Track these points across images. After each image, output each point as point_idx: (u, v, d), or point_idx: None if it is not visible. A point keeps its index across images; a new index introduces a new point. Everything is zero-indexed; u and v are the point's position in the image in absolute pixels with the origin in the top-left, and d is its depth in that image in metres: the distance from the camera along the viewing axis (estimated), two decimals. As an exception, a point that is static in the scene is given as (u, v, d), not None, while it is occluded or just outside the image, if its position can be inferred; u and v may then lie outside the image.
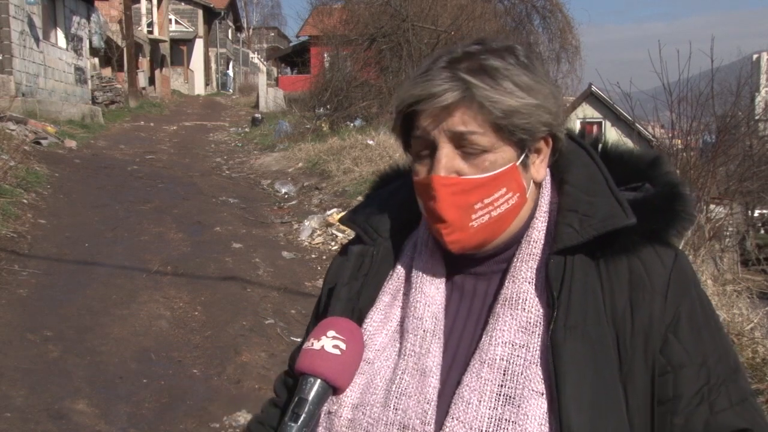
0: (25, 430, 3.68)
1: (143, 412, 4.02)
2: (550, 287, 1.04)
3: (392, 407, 1.05)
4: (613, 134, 22.03)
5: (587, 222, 1.06)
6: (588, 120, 25.18)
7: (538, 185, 1.13)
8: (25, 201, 8.17)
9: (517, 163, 1.07)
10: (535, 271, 1.08)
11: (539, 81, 1.06)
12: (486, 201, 1.06)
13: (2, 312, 5.12)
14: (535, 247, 1.09)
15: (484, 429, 0.99)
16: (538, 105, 1.05)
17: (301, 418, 1.04)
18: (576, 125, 24.61)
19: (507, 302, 1.07)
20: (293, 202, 10.56)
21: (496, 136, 1.04)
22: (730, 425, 1.03)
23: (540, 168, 1.11)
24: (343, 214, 1.31)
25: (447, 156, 1.05)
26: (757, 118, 12.27)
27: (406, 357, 1.09)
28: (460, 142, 1.04)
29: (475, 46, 1.08)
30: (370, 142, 13.32)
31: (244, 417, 3.99)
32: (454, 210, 1.05)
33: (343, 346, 1.08)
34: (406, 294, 1.15)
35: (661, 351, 1.04)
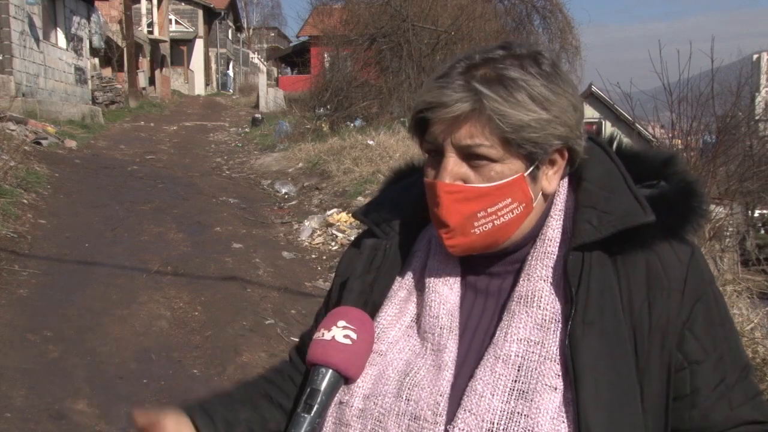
0: (25, 430, 3.68)
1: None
2: (569, 283, 1.04)
3: (404, 398, 1.05)
4: (613, 134, 22.00)
5: (606, 218, 1.05)
6: (588, 120, 25.19)
7: (547, 196, 1.12)
8: (25, 201, 8.17)
9: (525, 174, 1.06)
10: (550, 269, 1.08)
11: (558, 92, 1.05)
12: (489, 210, 1.05)
13: (2, 312, 5.12)
14: (550, 246, 1.09)
15: (495, 421, 1.00)
16: (552, 119, 1.03)
17: (314, 409, 1.04)
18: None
19: (522, 300, 1.07)
20: (293, 202, 10.56)
21: (504, 148, 1.03)
22: (749, 418, 1.06)
23: (552, 179, 1.10)
24: (355, 209, 1.31)
25: (453, 163, 1.05)
26: (757, 118, 12.28)
27: (425, 356, 1.09)
28: (466, 152, 1.04)
29: (498, 51, 1.06)
30: (371, 143, 13.33)
31: (244, 417, 3.99)
32: (457, 217, 1.06)
33: (353, 335, 1.08)
34: (421, 291, 1.15)
35: (678, 347, 1.05)
